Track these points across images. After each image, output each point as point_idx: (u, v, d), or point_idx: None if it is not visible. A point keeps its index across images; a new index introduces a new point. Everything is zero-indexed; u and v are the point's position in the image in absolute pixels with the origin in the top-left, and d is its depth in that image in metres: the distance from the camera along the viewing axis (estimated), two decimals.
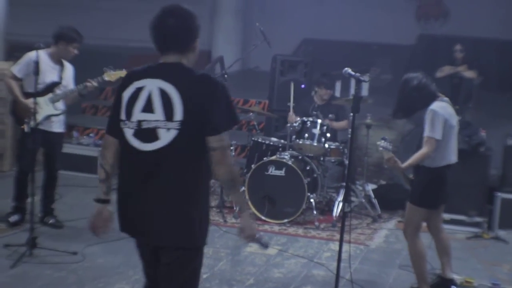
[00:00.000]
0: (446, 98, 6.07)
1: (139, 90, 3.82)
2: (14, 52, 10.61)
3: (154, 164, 3.77)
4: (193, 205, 3.82)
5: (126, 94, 3.85)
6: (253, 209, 8.46)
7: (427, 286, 6.23)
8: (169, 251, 3.87)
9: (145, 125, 3.77)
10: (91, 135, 11.09)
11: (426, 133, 5.86)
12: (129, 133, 3.83)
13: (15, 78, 7.37)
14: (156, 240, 3.87)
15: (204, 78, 3.82)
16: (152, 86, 3.79)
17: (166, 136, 3.73)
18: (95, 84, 7.38)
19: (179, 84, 3.75)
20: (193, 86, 3.78)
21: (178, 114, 3.71)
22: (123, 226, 3.99)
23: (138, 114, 3.80)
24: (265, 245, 4.17)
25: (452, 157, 6.05)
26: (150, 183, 3.78)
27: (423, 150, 5.86)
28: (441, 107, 5.94)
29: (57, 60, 7.48)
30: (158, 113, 3.75)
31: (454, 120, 6.02)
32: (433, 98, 5.99)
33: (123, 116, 3.86)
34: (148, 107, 3.77)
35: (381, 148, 5.94)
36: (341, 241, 5.76)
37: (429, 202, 6.06)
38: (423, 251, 6.16)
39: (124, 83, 3.91)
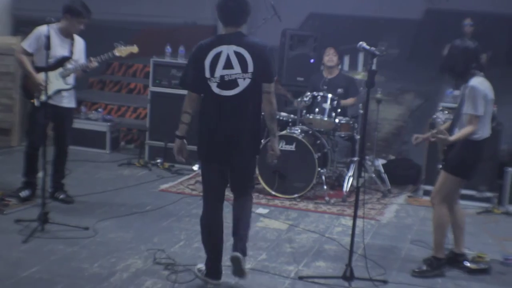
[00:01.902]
0: (481, 74, 6.10)
1: (218, 55, 5.37)
2: (21, 27, 10.57)
3: (235, 104, 5.40)
4: (255, 127, 5.55)
5: (207, 60, 5.38)
6: (263, 184, 8.46)
7: (443, 255, 6.28)
8: (245, 159, 5.60)
9: (227, 78, 5.37)
10: (99, 109, 11.04)
11: (469, 110, 5.92)
12: (214, 85, 5.39)
13: (25, 53, 7.32)
14: (233, 153, 5.50)
15: (263, 43, 5.48)
16: (228, 50, 5.37)
17: (243, 84, 5.38)
18: (95, 64, 7.36)
19: (247, 47, 5.37)
20: (257, 48, 5.40)
21: (250, 68, 5.36)
22: (204, 152, 5.61)
23: (220, 71, 5.37)
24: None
25: (487, 130, 6.14)
26: (230, 116, 5.42)
27: (468, 128, 5.93)
28: (480, 82, 6.00)
29: (67, 34, 7.42)
30: (237, 68, 5.36)
31: (492, 93, 6.09)
32: (472, 71, 6.04)
33: (207, 74, 5.39)
34: (228, 65, 5.36)
35: (439, 120, 5.97)
36: (355, 215, 5.78)
37: (465, 172, 6.16)
38: (447, 220, 6.23)
39: (203, 52, 5.41)
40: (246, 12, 5.45)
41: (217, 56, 5.37)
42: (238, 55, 5.35)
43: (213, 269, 5.71)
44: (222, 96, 5.39)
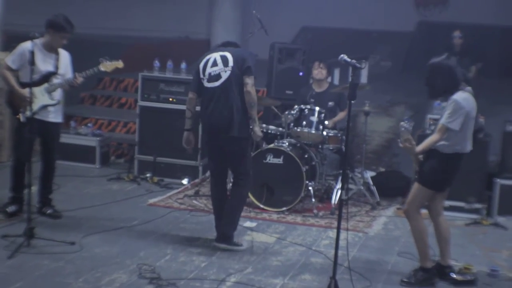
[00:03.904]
0: (469, 88, 6.16)
1: (208, 59, 6.90)
2: (12, 43, 10.56)
3: (220, 92, 6.79)
4: (238, 111, 6.78)
5: (201, 64, 6.92)
6: (252, 198, 8.44)
7: (430, 263, 6.31)
8: (228, 140, 6.83)
9: (213, 73, 6.83)
10: (89, 125, 11.05)
11: (442, 120, 5.98)
12: (205, 82, 6.87)
13: (9, 69, 7.34)
14: (222, 134, 6.80)
15: (246, 50, 7.30)
16: (216, 55, 6.89)
17: (224, 75, 6.79)
18: (80, 79, 7.36)
19: (230, 51, 6.91)
20: (238, 52, 6.95)
21: (231, 63, 6.80)
22: (204, 134, 7.55)
23: (208, 69, 6.85)
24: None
25: (467, 147, 6.19)
26: (217, 103, 6.79)
27: (434, 137, 6.01)
28: (464, 98, 6.04)
29: (50, 49, 7.42)
30: (220, 65, 6.81)
31: (474, 111, 6.14)
32: (456, 86, 6.06)
33: (201, 75, 6.90)
34: (214, 64, 6.84)
35: (402, 128, 6.00)
36: (338, 228, 5.77)
37: (436, 184, 6.20)
38: (425, 228, 6.27)
39: (200, 59, 6.97)
40: (232, 44, 7.19)
41: (207, 61, 6.91)
42: (222, 56, 6.88)
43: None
44: (211, 88, 6.84)
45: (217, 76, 6.82)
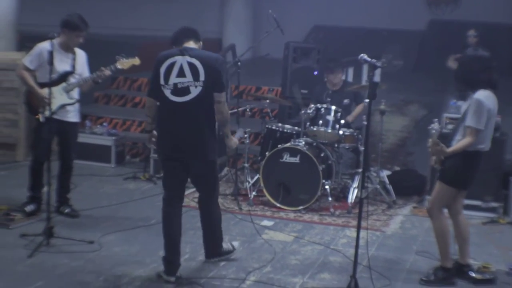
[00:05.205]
0: (491, 89, 6.14)
1: (172, 64, 5.93)
2: (26, 43, 10.62)
3: (187, 110, 5.91)
4: (208, 133, 6.02)
5: (163, 68, 5.95)
6: (268, 197, 8.46)
7: (450, 263, 6.30)
8: (196, 164, 6.10)
9: (180, 85, 5.89)
10: (104, 124, 11.09)
11: (470, 123, 5.96)
12: (167, 92, 5.94)
13: (27, 69, 7.36)
14: (188, 157, 6.05)
15: (214, 56, 6.09)
16: (182, 60, 5.91)
17: (194, 91, 5.89)
18: (108, 72, 7.37)
19: (199, 58, 5.90)
20: (208, 60, 5.95)
21: (202, 77, 5.87)
22: (162, 153, 6.23)
23: (173, 79, 5.91)
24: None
25: (487, 144, 6.17)
26: (184, 122, 5.94)
27: (467, 140, 5.97)
28: (486, 96, 6.03)
29: (67, 48, 7.45)
30: (189, 77, 5.88)
31: (496, 108, 6.13)
32: (483, 84, 6.07)
33: (162, 81, 5.95)
34: (181, 73, 5.89)
35: (433, 131, 6.00)
36: (358, 226, 5.77)
37: (460, 183, 6.20)
38: (448, 228, 6.27)
39: (160, 61, 6.00)
40: (191, 34, 6.17)
41: (172, 65, 5.94)
42: (191, 65, 5.89)
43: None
44: (176, 102, 5.94)
45: (185, 90, 5.89)
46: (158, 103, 6.11)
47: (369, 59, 5.78)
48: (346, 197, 8.70)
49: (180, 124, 5.96)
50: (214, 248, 6.55)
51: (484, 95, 5.99)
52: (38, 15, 15.67)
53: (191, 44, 6.08)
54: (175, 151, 6.08)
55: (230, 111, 8.86)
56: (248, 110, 9.69)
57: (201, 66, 5.87)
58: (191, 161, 6.08)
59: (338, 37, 16.22)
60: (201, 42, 6.21)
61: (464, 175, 6.18)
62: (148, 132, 6.38)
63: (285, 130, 9.03)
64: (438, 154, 6.08)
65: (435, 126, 6.03)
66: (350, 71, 11.90)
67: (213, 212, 6.50)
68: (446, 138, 6.23)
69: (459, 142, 6.00)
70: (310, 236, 7.49)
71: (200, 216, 6.51)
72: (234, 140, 6.37)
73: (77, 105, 7.62)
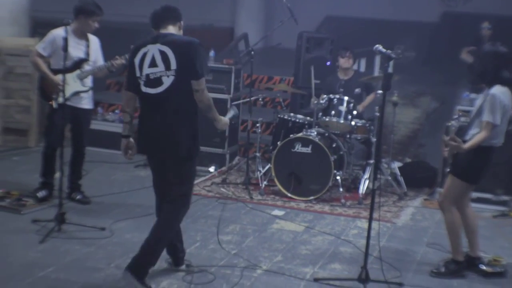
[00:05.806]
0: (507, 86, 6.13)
1: (145, 54, 5.42)
2: (39, 29, 10.63)
3: (160, 102, 5.39)
4: (182, 127, 5.42)
5: (137, 59, 5.46)
6: (279, 186, 8.47)
7: (461, 257, 6.29)
8: (167, 162, 5.52)
9: (152, 76, 5.39)
10: (116, 111, 11.11)
11: (486, 117, 5.93)
12: (141, 84, 5.43)
13: (40, 56, 7.37)
14: (163, 154, 5.50)
15: (189, 40, 5.45)
16: (153, 49, 5.40)
17: (167, 81, 5.35)
18: (122, 61, 7.37)
19: (171, 45, 5.37)
20: (181, 45, 5.39)
21: (173, 65, 5.33)
22: (140, 147, 5.62)
23: (146, 69, 5.40)
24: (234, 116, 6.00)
25: (501, 139, 6.15)
26: (157, 115, 5.40)
27: (483, 134, 5.94)
28: (502, 92, 6.01)
29: (81, 35, 7.46)
30: (160, 66, 5.36)
31: (510, 105, 6.10)
32: (501, 80, 6.04)
33: (137, 73, 5.46)
34: (153, 63, 5.38)
35: (453, 128, 6.01)
36: (370, 217, 5.77)
37: (472, 177, 6.19)
38: (459, 222, 6.25)
39: (134, 52, 5.51)
40: (169, 16, 5.59)
41: (144, 55, 5.43)
42: (162, 53, 5.36)
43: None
44: (149, 94, 5.42)
45: (157, 81, 5.37)
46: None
47: (384, 50, 5.77)
48: (357, 188, 8.70)
49: (154, 117, 5.44)
50: (138, 269, 5.48)
51: (500, 91, 5.97)
52: (51, 1, 15.65)
53: (169, 29, 5.53)
54: (149, 147, 5.58)
55: (243, 100, 8.91)
56: (260, 99, 9.67)
57: (172, 53, 5.34)
58: (164, 159, 5.57)
59: (350, 28, 16.18)
60: (181, 22, 5.65)
61: (477, 169, 6.16)
62: (125, 138, 5.67)
63: (297, 120, 9.02)
64: (454, 150, 6.05)
65: (454, 122, 6.03)
66: (363, 62, 11.90)
67: (161, 229, 5.66)
68: (460, 130, 6.22)
69: (475, 138, 5.96)
70: (320, 226, 7.50)
71: (153, 225, 5.70)
72: (223, 121, 5.77)
73: (90, 92, 7.64)
